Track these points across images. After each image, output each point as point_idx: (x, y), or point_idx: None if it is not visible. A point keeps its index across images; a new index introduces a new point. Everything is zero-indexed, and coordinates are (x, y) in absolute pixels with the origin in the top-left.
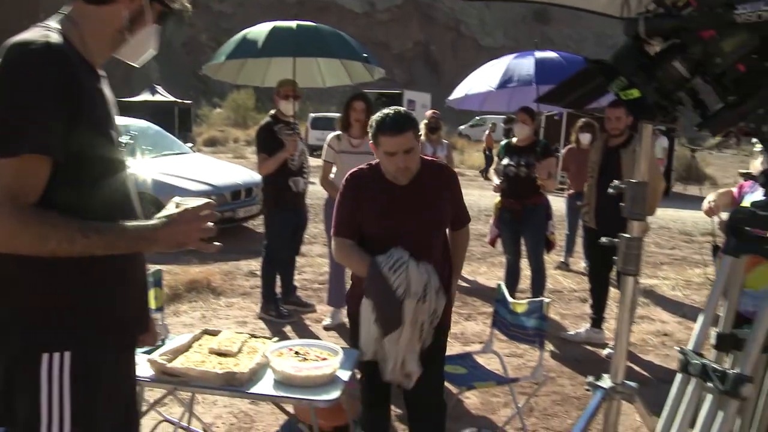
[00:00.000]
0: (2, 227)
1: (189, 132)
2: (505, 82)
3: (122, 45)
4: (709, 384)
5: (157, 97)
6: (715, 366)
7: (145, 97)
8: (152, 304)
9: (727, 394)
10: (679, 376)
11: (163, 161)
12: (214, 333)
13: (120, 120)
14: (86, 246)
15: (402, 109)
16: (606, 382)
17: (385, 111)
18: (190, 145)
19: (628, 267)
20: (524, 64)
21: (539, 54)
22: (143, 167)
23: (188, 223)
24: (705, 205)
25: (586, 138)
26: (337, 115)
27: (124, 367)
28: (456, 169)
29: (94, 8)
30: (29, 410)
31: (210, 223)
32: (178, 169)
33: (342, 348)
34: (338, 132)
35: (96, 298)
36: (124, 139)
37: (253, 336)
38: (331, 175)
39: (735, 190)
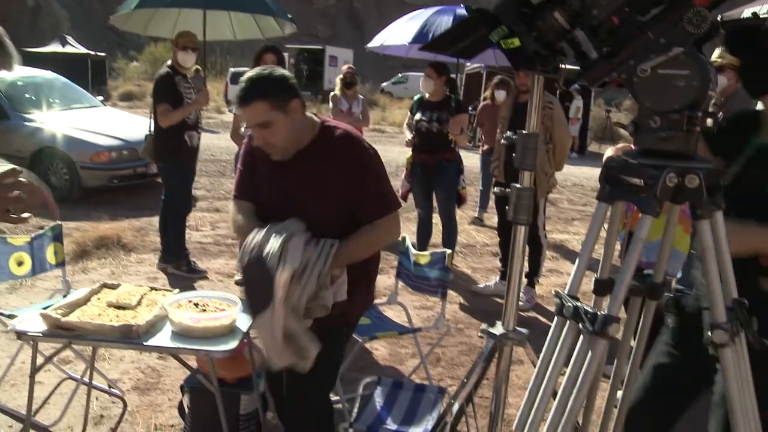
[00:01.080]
0: None
1: (104, 86)
2: (420, 37)
3: None
4: (581, 325)
5: (68, 49)
6: (586, 308)
7: (55, 48)
8: (52, 260)
9: (596, 334)
10: (555, 319)
11: (73, 115)
12: (113, 286)
13: (24, 71)
14: None
15: (266, 72)
16: (498, 329)
17: (243, 77)
18: (101, 98)
19: (519, 216)
20: (443, 20)
21: (461, 11)
22: (51, 121)
23: None
24: (607, 154)
25: (501, 95)
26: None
27: None
28: (377, 126)
29: None
30: None
31: (16, 192)
32: (88, 123)
33: (242, 299)
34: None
35: None
36: None
37: (154, 289)
38: (242, 129)
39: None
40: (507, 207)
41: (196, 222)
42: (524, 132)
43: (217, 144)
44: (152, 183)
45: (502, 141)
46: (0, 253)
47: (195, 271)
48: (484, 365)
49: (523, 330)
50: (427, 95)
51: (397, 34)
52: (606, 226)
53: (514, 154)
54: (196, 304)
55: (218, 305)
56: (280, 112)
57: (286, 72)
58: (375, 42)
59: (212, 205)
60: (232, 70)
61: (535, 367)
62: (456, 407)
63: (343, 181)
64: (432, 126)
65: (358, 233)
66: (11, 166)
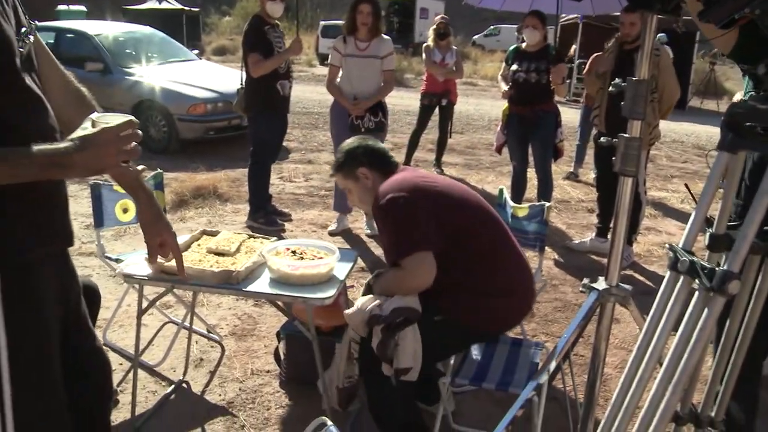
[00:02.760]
0: None
1: (198, 41)
2: None
3: None
4: (697, 281)
5: (164, 5)
6: (703, 263)
7: (152, 4)
8: None
9: (713, 291)
10: (668, 273)
11: (170, 68)
12: (212, 233)
13: (124, 27)
14: None
15: (344, 146)
16: (601, 284)
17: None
18: (197, 52)
19: (627, 168)
20: None
21: None
22: (150, 75)
23: (107, 144)
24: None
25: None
26: None
27: (59, 284)
28: (468, 80)
29: None
30: None
31: (133, 144)
32: (184, 76)
33: (340, 248)
34: (344, 35)
35: (19, 212)
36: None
37: (252, 236)
38: (338, 80)
39: None
40: (613, 158)
41: (289, 173)
42: (634, 79)
43: (309, 97)
44: (246, 135)
45: (610, 89)
46: (107, 200)
47: (273, 223)
48: (584, 322)
49: (627, 286)
50: (523, 45)
51: None
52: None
53: (622, 103)
54: (294, 252)
55: (316, 253)
56: (351, 180)
57: (361, 142)
58: None
59: (305, 156)
60: (323, 23)
61: (637, 326)
62: (554, 364)
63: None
64: (530, 76)
65: (386, 272)
66: (128, 117)
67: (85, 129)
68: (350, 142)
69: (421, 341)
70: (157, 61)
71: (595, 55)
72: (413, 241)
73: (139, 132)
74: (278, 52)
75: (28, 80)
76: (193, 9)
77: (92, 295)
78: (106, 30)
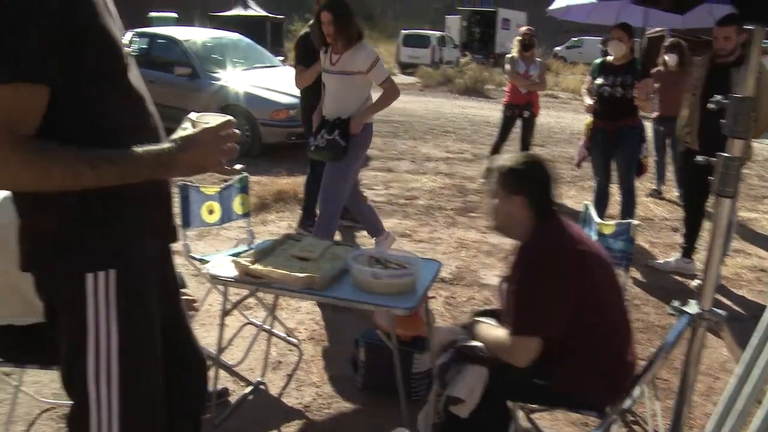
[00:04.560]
0: (3, 167)
1: (281, 47)
2: None
3: None
4: None
5: (249, 12)
6: None
7: (238, 11)
8: (239, 210)
9: None
10: None
11: (254, 74)
12: (297, 238)
13: (212, 33)
14: (96, 178)
15: (519, 165)
16: (692, 307)
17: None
18: (281, 58)
19: (726, 188)
20: None
21: None
22: (235, 80)
23: (208, 144)
24: None
25: (673, 59)
26: (431, 32)
27: (161, 279)
28: (549, 92)
29: None
30: (75, 332)
31: (231, 144)
32: (268, 81)
33: (423, 259)
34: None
35: (129, 211)
36: (127, 41)
37: (336, 243)
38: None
39: None
40: (704, 180)
41: (369, 181)
42: (738, 96)
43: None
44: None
45: (710, 105)
46: (194, 202)
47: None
48: (671, 345)
49: (721, 312)
50: (609, 59)
51: None
52: None
53: (722, 121)
54: (378, 260)
55: (399, 263)
56: (500, 198)
57: (533, 166)
58: (558, 3)
59: (385, 165)
60: (404, 32)
61: (731, 354)
62: (638, 390)
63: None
64: (615, 91)
65: (493, 328)
66: (227, 117)
67: (186, 129)
68: (522, 158)
69: (509, 395)
70: (242, 66)
71: (656, 70)
72: (536, 323)
73: (237, 131)
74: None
75: (134, 81)
76: (277, 16)
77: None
78: (194, 36)
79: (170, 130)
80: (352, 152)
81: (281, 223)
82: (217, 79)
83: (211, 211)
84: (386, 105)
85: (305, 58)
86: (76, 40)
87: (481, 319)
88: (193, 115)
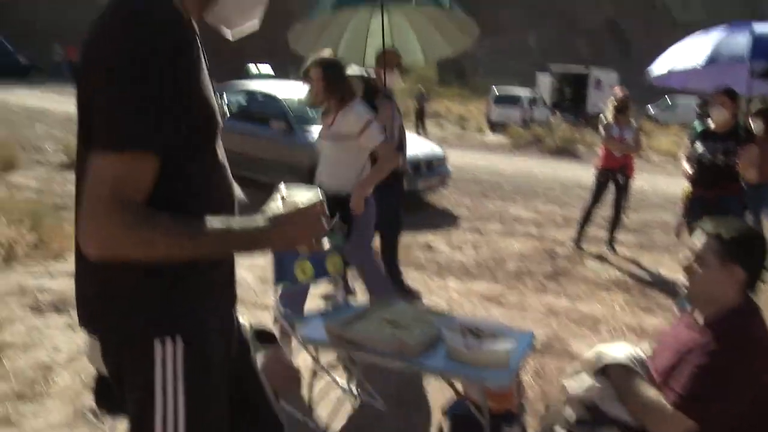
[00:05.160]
0: (107, 234)
1: (373, 104)
2: (713, 58)
3: (215, 6)
4: None
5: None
6: None
7: None
8: (330, 269)
9: None
10: None
11: None
12: (389, 303)
13: (307, 89)
14: (195, 251)
15: (744, 234)
16: None
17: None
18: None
19: None
20: (737, 39)
21: (759, 27)
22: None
23: (300, 223)
24: None
25: (758, 126)
26: (522, 91)
27: (228, 344)
28: (642, 154)
29: None
30: (141, 401)
31: (322, 222)
32: None
33: (518, 331)
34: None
35: (199, 275)
36: (222, 104)
37: (429, 309)
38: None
39: None
40: None
41: (458, 242)
42: None
43: (478, 164)
44: (419, 200)
45: None
46: (288, 259)
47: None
48: None
49: None
50: (712, 125)
51: (685, 56)
52: None
53: None
54: (471, 331)
55: (493, 334)
56: (710, 264)
57: (752, 238)
58: (659, 69)
59: (473, 225)
60: (495, 90)
61: None
62: None
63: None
64: (717, 159)
65: (651, 393)
66: (316, 193)
67: (277, 204)
68: (747, 229)
69: None
70: None
71: (751, 145)
72: (711, 406)
73: (326, 210)
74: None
75: (220, 148)
76: (364, 75)
77: (270, 339)
78: (291, 93)
79: (262, 184)
80: (358, 230)
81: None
82: (311, 135)
83: (303, 270)
84: (383, 174)
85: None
86: (184, 107)
87: (632, 366)
88: (282, 189)
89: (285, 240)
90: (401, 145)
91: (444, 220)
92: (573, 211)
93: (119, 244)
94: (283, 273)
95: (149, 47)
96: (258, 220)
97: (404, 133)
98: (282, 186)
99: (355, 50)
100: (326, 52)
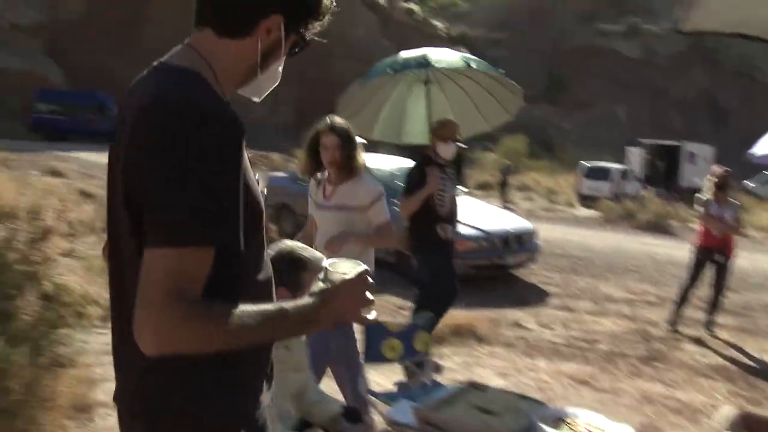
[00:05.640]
0: (167, 328)
1: (460, 174)
2: None
3: (250, 81)
4: None
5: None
6: None
7: None
8: (419, 348)
9: None
10: None
11: None
12: (480, 387)
13: (398, 161)
14: (251, 338)
15: None
16: None
17: None
18: (465, 189)
19: None
20: None
21: None
22: None
23: (348, 296)
24: None
25: None
26: (613, 165)
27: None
28: (741, 230)
29: (226, 42)
30: None
31: (368, 294)
32: None
33: (619, 423)
34: (320, 175)
35: (249, 367)
36: (263, 187)
37: (522, 397)
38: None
39: None
40: None
41: (547, 320)
42: None
43: (569, 239)
44: (508, 275)
45: None
46: (376, 337)
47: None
48: None
49: None
50: None
51: None
52: None
53: None
54: (565, 421)
55: (590, 426)
56: None
57: None
58: (762, 149)
59: (564, 303)
60: (586, 164)
61: None
62: None
63: None
64: None
65: None
66: (361, 266)
67: (323, 280)
68: None
69: None
70: None
71: None
72: None
73: (372, 281)
74: (439, 195)
75: (262, 233)
76: (460, 145)
77: (356, 417)
78: (382, 164)
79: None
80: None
81: (457, 359)
82: (394, 209)
83: (392, 348)
84: (376, 245)
85: (414, 185)
86: (244, 198)
87: None
88: (327, 263)
89: (334, 314)
90: (451, 217)
91: (533, 296)
92: (667, 291)
93: (179, 338)
94: (371, 352)
95: (218, 143)
96: (307, 300)
97: (455, 204)
98: (325, 260)
99: (397, 120)
100: (337, 119)
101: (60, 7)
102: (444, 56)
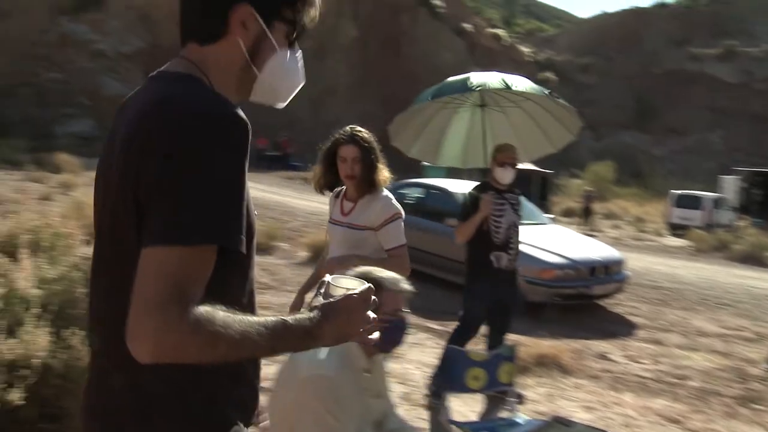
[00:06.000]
0: (171, 334)
1: (546, 201)
2: None
3: (255, 86)
4: None
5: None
6: None
7: None
8: (503, 379)
9: None
10: None
11: (523, 230)
12: (565, 422)
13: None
14: (252, 350)
15: None
16: None
17: None
18: (551, 216)
19: None
20: None
21: None
22: None
23: (352, 312)
24: None
25: None
26: (706, 193)
27: None
28: None
29: (211, 49)
30: None
31: (371, 313)
32: (535, 239)
33: None
34: (338, 189)
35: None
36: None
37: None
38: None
39: None
40: None
41: (635, 353)
42: None
43: (658, 269)
44: (593, 305)
45: None
46: (459, 366)
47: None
48: None
49: None
50: None
51: None
52: None
53: None
54: None
55: None
56: None
57: None
58: None
59: (652, 335)
60: (675, 192)
61: None
62: None
63: None
64: None
65: None
66: (363, 282)
67: (324, 295)
68: None
69: None
70: None
71: None
72: None
73: (376, 299)
74: (494, 221)
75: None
76: (546, 170)
77: None
78: (467, 189)
79: (439, 280)
80: None
81: (540, 389)
82: None
83: (475, 377)
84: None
85: (469, 212)
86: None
87: None
88: (328, 278)
89: (337, 330)
90: (507, 245)
91: (620, 328)
92: (765, 327)
93: (179, 344)
94: (454, 382)
95: (221, 142)
96: (307, 313)
97: (516, 232)
98: (328, 276)
99: (455, 144)
100: (359, 128)
101: (158, 33)
102: (516, 81)
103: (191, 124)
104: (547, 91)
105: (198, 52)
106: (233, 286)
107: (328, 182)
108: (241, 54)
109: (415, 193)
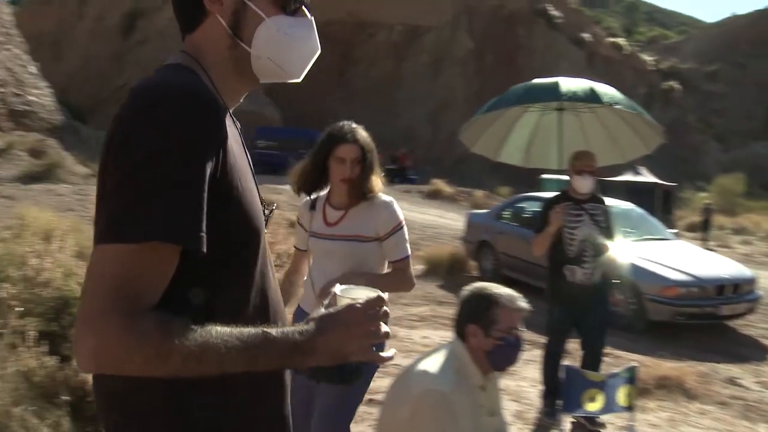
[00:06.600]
0: (110, 342)
1: (669, 214)
2: None
3: (252, 64)
4: None
5: (639, 178)
6: None
7: (627, 177)
8: (622, 402)
9: None
10: None
11: (644, 246)
12: None
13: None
14: (219, 364)
15: None
16: None
17: None
18: (675, 231)
19: None
20: None
21: None
22: (621, 251)
23: (354, 325)
24: None
25: None
26: None
27: None
28: None
29: (197, 35)
30: None
31: (383, 326)
32: (658, 255)
33: None
34: (315, 195)
35: (236, 418)
36: (268, 209)
37: None
38: (304, 276)
39: None
40: None
41: None
42: None
43: None
44: (722, 326)
45: None
46: (576, 386)
47: (549, 415)
48: None
49: None
50: None
51: None
52: None
53: None
54: None
55: None
56: None
57: None
58: None
59: None
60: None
61: None
62: None
63: None
64: None
65: None
66: (376, 291)
67: (327, 306)
68: None
69: None
70: (633, 237)
71: None
72: None
73: (388, 310)
74: (568, 233)
75: (262, 254)
76: (668, 183)
77: None
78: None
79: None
80: (368, 373)
81: (662, 414)
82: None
83: (592, 399)
84: (396, 288)
85: (542, 224)
86: (222, 198)
87: None
88: (337, 288)
89: (335, 347)
90: (580, 258)
91: (752, 352)
92: None
93: (123, 354)
94: (570, 402)
95: (179, 125)
96: (300, 325)
97: (590, 245)
98: (338, 287)
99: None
100: (358, 127)
101: None
102: (605, 91)
103: (141, 112)
104: (637, 109)
105: (189, 41)
106: (228, 295)
107: (314, 184)
108: (223, 31)
109: (532, 207)
